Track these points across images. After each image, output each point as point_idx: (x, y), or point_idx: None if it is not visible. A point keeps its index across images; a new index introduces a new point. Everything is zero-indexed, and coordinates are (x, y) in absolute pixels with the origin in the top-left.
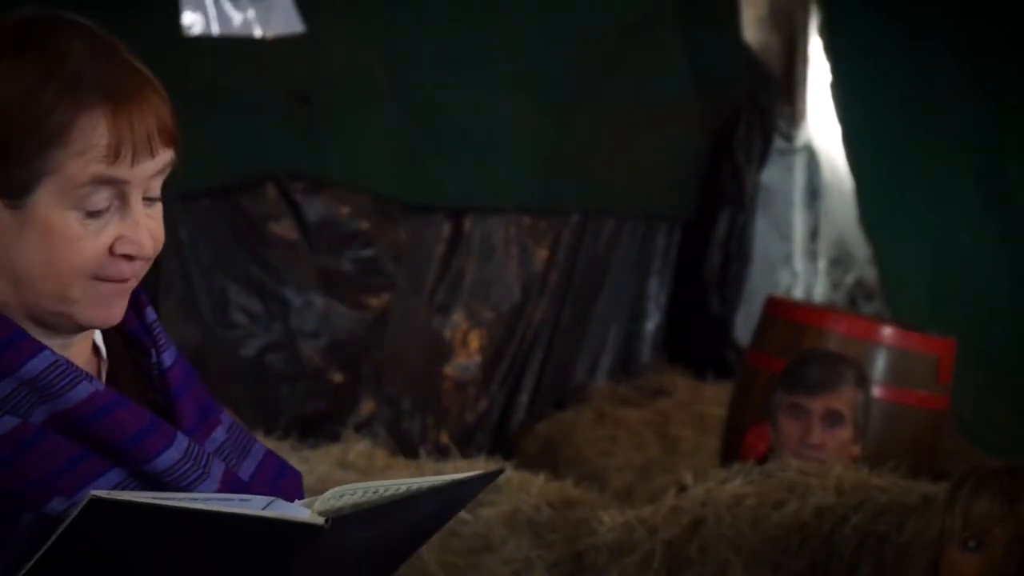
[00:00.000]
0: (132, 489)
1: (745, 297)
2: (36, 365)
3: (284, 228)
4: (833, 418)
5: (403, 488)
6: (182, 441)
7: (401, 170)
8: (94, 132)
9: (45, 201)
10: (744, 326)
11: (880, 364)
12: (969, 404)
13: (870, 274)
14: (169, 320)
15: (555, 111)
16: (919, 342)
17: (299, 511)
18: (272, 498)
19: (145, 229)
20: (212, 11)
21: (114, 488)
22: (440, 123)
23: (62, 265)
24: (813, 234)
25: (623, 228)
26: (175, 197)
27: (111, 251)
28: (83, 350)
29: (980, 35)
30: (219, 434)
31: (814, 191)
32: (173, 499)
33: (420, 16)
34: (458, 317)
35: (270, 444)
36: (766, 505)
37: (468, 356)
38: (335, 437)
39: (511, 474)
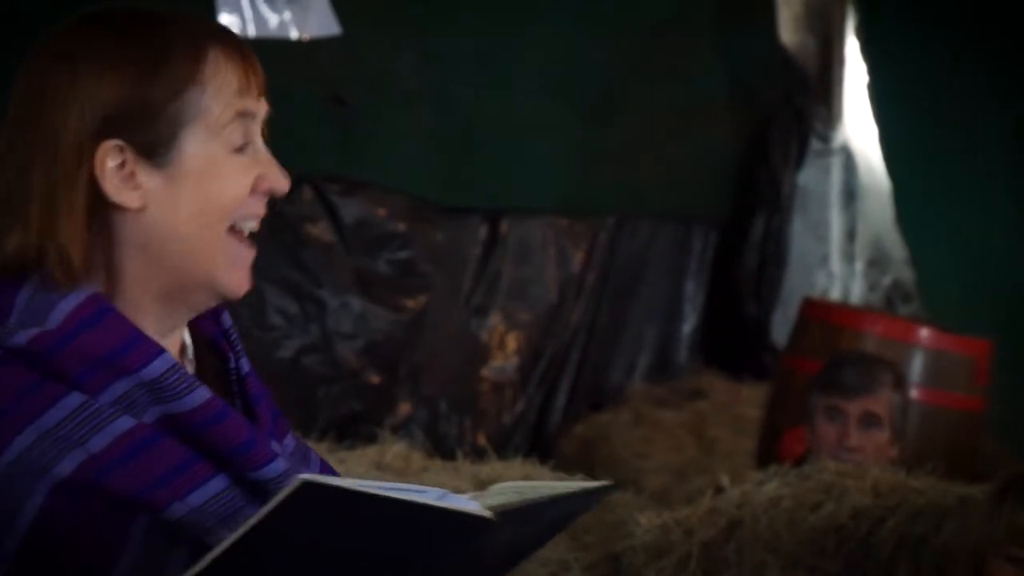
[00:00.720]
0: (235, 496)
1: (782, 299)
2: (158, 366)
3: (320, 230)
4: (870, 421)
5: (546, 491)
6: (276, 448)
7: (437, 172)
8: (224, 68)
9: (193, 148)
10: (781, 328)
11: (917, 366)
12: (1004, 406)
13: (907, 275)
14: None
15: (591, 112)
16: (956, 343)
17: (470, 504)
18: (443, 490)
19: (278, 166)
20: (248, 13)
21: (218, 495)
22: (476, 124)
23: (219, 206)
24: (850, 235)
25: (659, 230)
26: None
27: (252, 189)
28: (175, 353)
29: (1016, 37)
30: (289, 440)
31: (851, 192)
32: (370, 487)
33: (455, 18)
34: (495, 319)
35: None
36: (803, 507)
37: (505, 358)
38: (372, 438)
39: (547, 475)
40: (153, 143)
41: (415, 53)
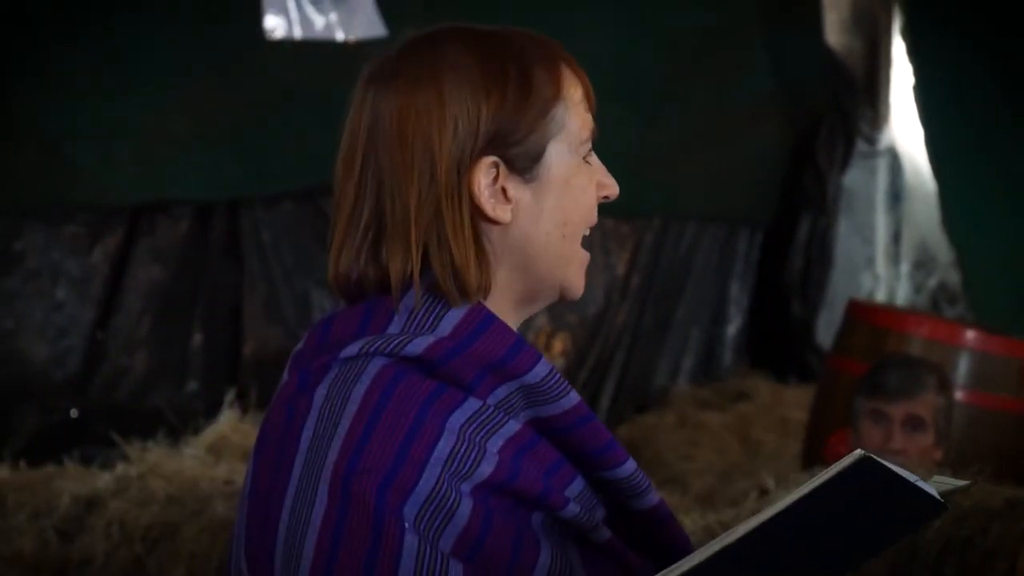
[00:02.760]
0: (591, 495)
1: (827, 301)
2: (540, 371)
3: None
4: (914, 424)
5: (945, 485)
6: None
7: None
8: (573, 84)
9: (556, 161)
10: (826, 330)
11: (963, 368)
12: None
13: (953, 277)
14: (253, 322)
15: (638, 114)
16: (1002, 345)
17: (932, 489)
18: (915, 476)
19: (607, 170)
20: (294, 15)
21: (581, 494)
22: None
23: (578, 217)
24: (895, 237)
25: (705, 232)
26: (258, 199)
27: None
28: None
29: None
30: None
31: (896, 194)
32: (897, 469)
33: (502, 19)
34: (541, 320)
35: None
36: None
37: (551, 359)
38: None
39: None
40: (524, 158)
41: None
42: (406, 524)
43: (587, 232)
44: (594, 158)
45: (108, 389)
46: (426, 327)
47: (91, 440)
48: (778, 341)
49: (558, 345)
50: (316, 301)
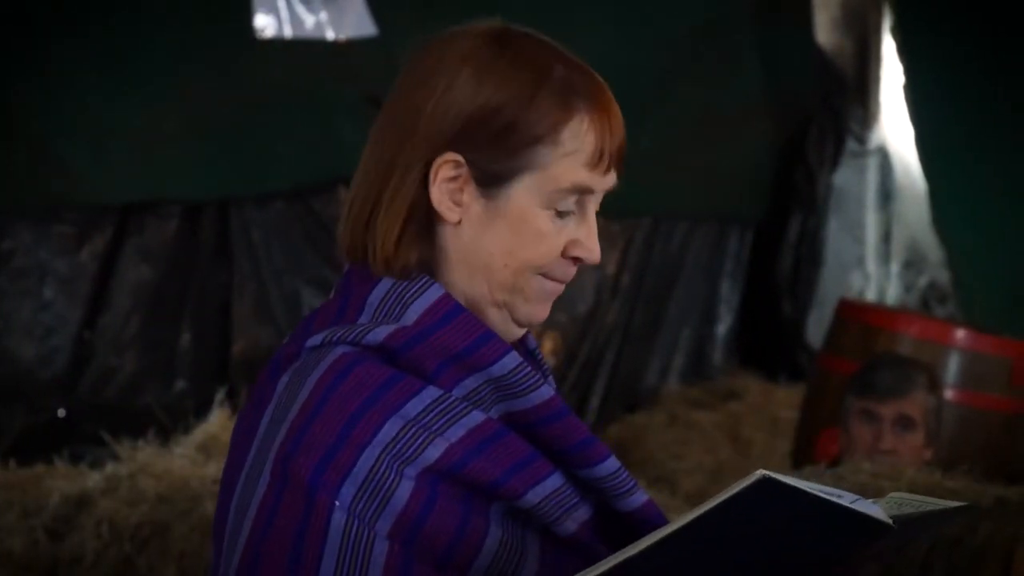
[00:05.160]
0: (571, 492)
1: (817, 300)
2: (507, 363)
3: None
4: (905, 423)
5: (932, 507)
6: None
7: None
8: (584, 136)
9: (520, 195)
10: (816, 329)
11: (953, 367)
12: None
13: (943, 276)
14: (243, 321)
15: (628, 113)
16: (993, 344)
17: (878, 510)
18: (853, 495)
19: (597, 237)
20: (285, 13)
21: (557, 490)
22: None
23: (524, 256)
24: (886, 236)
25: (695, 231)
26: (248, 199)
27: (563, 253)
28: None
29: None
30: None
31: (887, 193)
32: (808, 487)
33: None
34: None
35: None
36: None
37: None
38: None
39: None
40: (490, 174)
41: None
42: (337, 502)
43: (552, 277)
44: (591, 218)
45: (96, 388)
46: (392, 316)
47: (80, 439)
48: (768, 340)
49: (548, 344)
50: (306, 300)
